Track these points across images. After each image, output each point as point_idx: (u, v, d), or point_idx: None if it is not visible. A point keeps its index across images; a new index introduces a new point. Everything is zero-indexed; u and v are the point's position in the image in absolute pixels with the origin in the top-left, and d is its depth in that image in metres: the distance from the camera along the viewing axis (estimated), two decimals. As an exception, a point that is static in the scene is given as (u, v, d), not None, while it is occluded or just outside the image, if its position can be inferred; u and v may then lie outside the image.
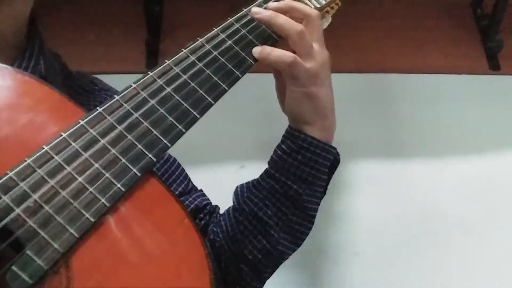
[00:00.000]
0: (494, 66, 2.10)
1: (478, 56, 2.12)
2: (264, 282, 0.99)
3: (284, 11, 0.89)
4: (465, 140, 1.92)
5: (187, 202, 1.00)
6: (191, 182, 1.05)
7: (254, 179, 0.96)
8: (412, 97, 2.01)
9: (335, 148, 0.94)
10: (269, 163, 0.94)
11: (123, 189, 0.71)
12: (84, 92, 1.02)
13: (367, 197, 1.82)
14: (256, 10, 0.89)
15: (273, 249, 0.94)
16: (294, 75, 0.87)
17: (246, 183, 0.97)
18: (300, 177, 0.92)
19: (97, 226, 0.69)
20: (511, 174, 1.88)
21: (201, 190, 1.06)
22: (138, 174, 0.72)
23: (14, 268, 0.63)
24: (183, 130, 0.77)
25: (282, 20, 0.87)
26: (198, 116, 0.79)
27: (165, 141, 0.76)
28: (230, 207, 0.98)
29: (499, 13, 2.03)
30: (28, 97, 0.73)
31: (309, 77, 0.88)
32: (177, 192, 1.00)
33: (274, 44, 0.90)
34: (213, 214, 1.02)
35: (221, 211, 1.03)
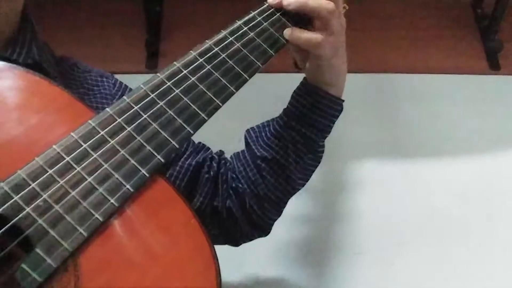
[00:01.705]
0: (494, 66, 2.10)
1: (478, 56, 2.12)
2: (281, 213, 1.13)
3: None
4: (465, 140, 1.93)
5: (185, 165, 1.05)
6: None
7: (267, 125, 1.08)
8: (412, 97, 2.01)
9: (343, 100, 1.08)
10: (286, 114, 1.05)
11: (132, 190, 0.71)
12: (70, 76, 1.03)
13: (367, 197, 1.82)
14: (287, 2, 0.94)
15: (292, 188, 1.08)
16: (320, 53, 0.95)
17: (257, 127, 1.09)
18: (318, 127, 1.05)
19: (106, 226, 0.69)
20: (511, 174, 1.88)
21: (199, 143, 1.11)
22: (147, 175, 0.73)
23: (24, 266, 0.64)
24: (192, 132, 0.78)
25: (313, 2, 0.93)
26: (206, 118, 0.80)
27: (174, 143, 0.76)
28: (243, 151, 1.09)
29: (499, 13, 2.03)
30: (38, 97, 0.74)
31: (332, 51, 0.97)
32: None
33: (282, 47, 0.92)
34: (221, 161, 1.10)
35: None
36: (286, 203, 1.11)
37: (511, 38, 2.12)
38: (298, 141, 1.04)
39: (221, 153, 1.13)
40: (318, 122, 1.04)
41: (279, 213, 1.12)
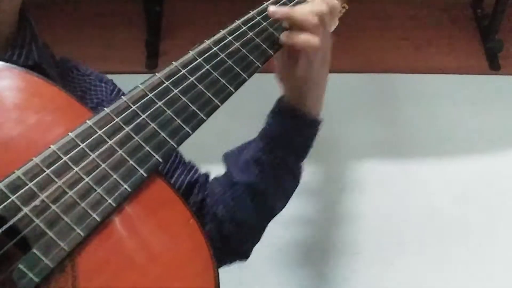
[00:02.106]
0: (494, 66, 2.10)
1: (478, 56, 2.12)
2: (261, 237, 1.08)
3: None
4: (465, 140, 1.93)
5: (178, 182, 1.03)
6: (179, 154, 1.07)
7: (245, 148, 1.03)
8: (412, 97, 2.01)
9: (322, 120, 1.02)
10: (262, 136, 1.00)
11: (129, 190, 0.71)
12: (69, 78, 1.02)
13: (367, 197, 1.83)
14: (271, 10, 0.91)
15: (271, 212, 1.04)
16: (313, 60, 0.92)
17: (235, 150, 1.05)
18: (295, 150, 1.00)
19: (103, 226, 0.69)
20: (511, 174, 1.88)
21: (189, 162, 1.08)
22: (145, 175, 0.72)
23: (21, 266, 0.64)
24: (190, 132, 0.78)
25: (299, 15, 0.90)
26: (205, 118, 0.79)
27: (172, 143, 0.76)
28: (224, 176, 1.04)
29: (499, 13, 2.03)
30: (37, 98, 0.74)
31: (322, 65, 0.94)
32: (164, 170, 1.02)
33: (281, 47, 0.91)
34: (206, 184, 1.06)
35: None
36: (265, 227, 1.07)
37: (511, 38, 2.12)
38: (275, 164, 0.99)
39: (207, 175, 1.09)
40: (294, 143, 1.00)
41: (257, 238, 1.07)
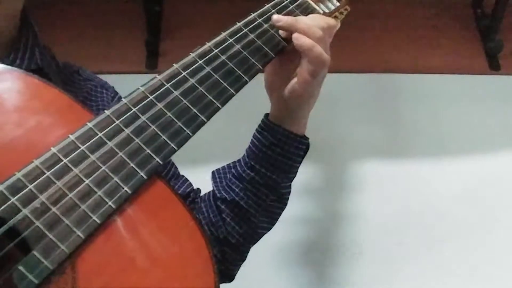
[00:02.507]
0: (494, 66, 2.10)
1: (478, 56, 2.12)
2: (244, 259, 1.07)
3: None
4: (465, 140, 1.93)
5: None
6: (174, 167, 1.07)
7: (232, 166, 1.02)
8: (412, 97, 2.01)
9: (308, 139, 1.00)
10: (248, 154, 0.99)
11: (129, 192, 0.71)
12: (71, 83, 1.02)
13: (367, 197, 1.83)
14: (277, 18, 0.91)
15: (253, 232, 1.02)
16: (317, 76, 0.89)
17: (222, 168, 1.04)
18: (279, 167, 0.98)
19: (103, 228, 0.69)
20: (510, 173, 1.88)
21: (182, 176, 1.08)
22: (145, 177, 0.72)
23: (21, 268, 0.64)
24: (191, 134, 0.78)
25: (303, 25, 0.89)
26: (205, 120, 0.79)
27: (172, 145, 0.76)
28: (210, 192, 1.04)
29: (499, 13, 2.03)
30: (37, 100, 0.74)
31: (322, 82, 0.92)
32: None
33: (283, 49, 0.91)
34: (196, 199, 1.06)
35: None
36: (249, 248, 1.05)
37: (511, 38, 2.12)
38: (258, 182, 0.98)
39: (197, 191, 1.08)
40: (279, 162, 0.98)
41: (241, 258, 1.06)
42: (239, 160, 1.02)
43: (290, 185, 1.02)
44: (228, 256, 1.03)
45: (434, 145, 1.92)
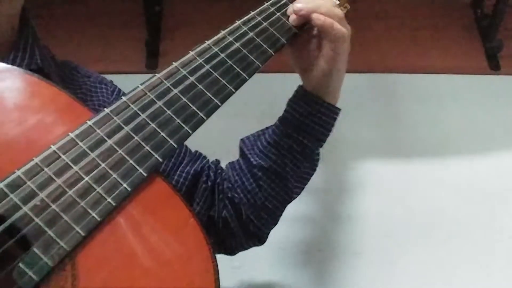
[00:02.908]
0: (494, 66, 2.10)
1: (478, 56, 2.12)
2: (277, 222, 1.13)
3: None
4: (465, 140, 1.92)
5: (184, 173, 1.05)
6: (184, 146, 1.09)
7: (263, 134, 1.07)
8: (412, 97, 2.01)
9: (340, 109, 1.05)
10: (282, 122, 1.03)
11: (129, 189, 0.71)
12: (70, 81, 1.03)
13: (367, 197, 1.82)
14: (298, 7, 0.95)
15: (288, 197, 1.07)
16: (340, 51, 0.96)
17: (252, 136, 1.09)
18: (315, 136, 1.03)
19: (103, 225, 0.69)
20: (511, 174, 1.88)
21: (196, 152, 1.11)
22: (144, 174, 0.73)
23: (21, 265, 0.64)
24: (190, 132, 0.78)
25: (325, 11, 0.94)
26: (204, 117, 0.80)
27: (172, 142, 0.76)
28: (238, 161, 1.08)
29: (499, 13, 2.03)
30: (37, 98, 0.74)
31: (345, 57, 0.99)
32: (170, 164, 1.05)
33: (282, 47, 0.92)
34: (217, 170, 1.09)
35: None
36: (282, 211, 1.11)
37: (511, 38, 2.12)
38: (295, 150, 1.03)
39: (217, 162, 1.12)
40: (315, 130, 1.03)
41: (275, 221, 1.12)
42: (268, 128, 1.07)
43: (319, 151, 1.08)
44: (264, 221, 1.08)
45: (434, 145, 1.92)
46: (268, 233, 1.12)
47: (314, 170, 1.09)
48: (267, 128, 1.07)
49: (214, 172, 1.08)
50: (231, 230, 1.07)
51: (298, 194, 1.10)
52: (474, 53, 2.12)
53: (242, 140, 1.09)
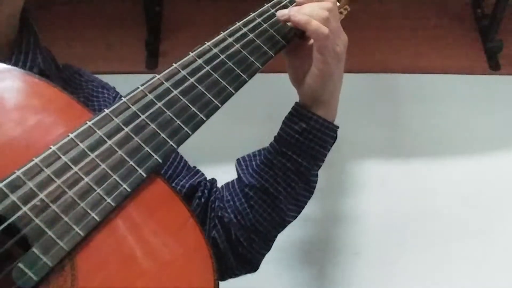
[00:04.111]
0: (494, 66, 2.10)
1: (478, 56, 2.12)
2: (270, 249, 1.07)
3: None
4: (465, 140, 1.93)
5: (179, 186, 1.02)
6: (184, 160, 1.07)
7: (258, 154, 1.03)
8: (412, 97, 2.01)
9: (337, 127, 1.01)
10: (277, 141, 1.00)
11: (129, 190, 0.71)
12: (72, 84, 1.03)
13: (367, 197, 1.82)
14: (281, 13, 0.93)
15: (281, 220, 1.02)
16: (325, 51, 0.92)
17: (247, 156, 1.05)
18: (310, 154, 0.99)
19: (103, 226, 0.69)
20: (511, 174, 1.88)
21: (194, 167, 1.08)
22: (144, 175, 0.73)
23: (20, 265, 0.64)
24: (190, 132, 0.78)
25: (307, 10, 0.92)
26: (204, 118, 0.80)
27: (171, 143, 0.76)
28: (233, 181, 1.04)
29: (499, 13, 2.03)
30: (37, 99, 0.74)
31: (336, 59, 0.94)
32: (167, 175, 1.02)
33: (282, 48, 0.92)
34: (213, 189, 1.05)
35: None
36: (275, 236, 1.06)
37: (511, 38, 2.12)
38: (289, 169, 0.99)
39: (213, 181, 1.08)
40: (310, 148, 0.99)
41: (267, 247, 1.06)
42: (264, 148, 1.03)
43: (317, 173, 1.04)
44: (255, 245, 1.03)
45: (434, 145, 1.92)
46: (261, 259, 1.07)
47: (311, 193, 1.04)
48: (264, 148, 1.04)
49: (208, 190, 1.05)
50: (220, 252, 1.03)
51: (293, 218, 1.05)
52: (474, 53, 2.12)
53: (238, 160, 1.06)
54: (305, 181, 1.01)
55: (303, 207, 1.05)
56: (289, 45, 0.96)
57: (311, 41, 0.94)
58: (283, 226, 1.04)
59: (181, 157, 1.07)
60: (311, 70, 0.95)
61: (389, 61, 2.09)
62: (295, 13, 0.91)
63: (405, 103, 2.00)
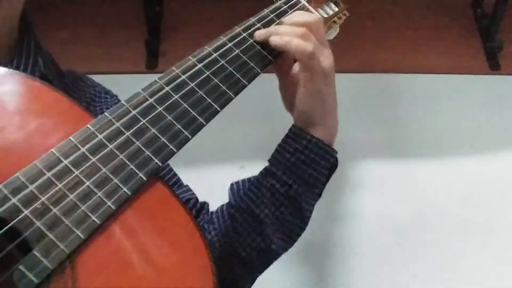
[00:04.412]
0: (494, 66, 2.10)
1: (478, 56, 2.12)
2: (254, 280, 0.99)
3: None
4: (465, 140, 1.93)
5: None
6: (176, 177, 1.05)
7: (252, 177, 0.97)
8: (412, 97, 2.02)
9: (336, 152, 0.95)
10: (270, 161, 0.95)
11: (129, 193, 0.71)
12: (74, 89, 1.03)
13: (367, 197, 1.83)
14: (259, 33, 0.90)
15: (266, 247, 0.93)
16: (310, 69, 0.88)
17: (242, 180, 0.99)
18: (302, 177, 0.92)
19: (103, 229, 0.69)
20: (511, 174, 1.88)
21: (186, 185, 1.05)
22: (144, 178, 0.73)
23: (21, 267, 0.64)
24: (190, 136, 0.78)
25: (282, 30, 0.89)
26: (204, 123, 0.80)
27: (172, 147, 0.76)
28: (223, 204, 0.99)
29: (499, 13, 2.03)
30: (38, 103, 0.74)
31: (323, 75, 0.89)
32: None
33: (281, 53, 0.92)
34: (202, 210, 1.02)
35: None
36: (260, 269, 0.98)
37: (511, 38, 2.13)
38: (278, 190, 0.92)
39: (204, 203, 1.04)
40: (302, 171, 0.92)
41: (251, 277, 0.98)
42: (260, 172, 0.96)
43: (313, 205, 0.96)
44: (236, 273, 0.95)
45: (434, 145, 1.93)
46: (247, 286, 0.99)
47: (303, 223, 0.95)
48: (260, 172, 0.97)
49: (197, 210, 1.01)
50: None
51: (282, 250, 0.95)
52: (474, 53, 2.13)
53: (231, 184, 1.00)
54: (295, 207, 0.93)
55: (294, 240, 0.96)
56: (276, 63, 0.93)
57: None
58: (269, 258, 0.97)
59: (175, 173, 1.05)
60: (298, 90, 0.90)
61: (389, 61, 2.09)
62: (272, 38, 0.88)
63: (405, 103, 2.01)
